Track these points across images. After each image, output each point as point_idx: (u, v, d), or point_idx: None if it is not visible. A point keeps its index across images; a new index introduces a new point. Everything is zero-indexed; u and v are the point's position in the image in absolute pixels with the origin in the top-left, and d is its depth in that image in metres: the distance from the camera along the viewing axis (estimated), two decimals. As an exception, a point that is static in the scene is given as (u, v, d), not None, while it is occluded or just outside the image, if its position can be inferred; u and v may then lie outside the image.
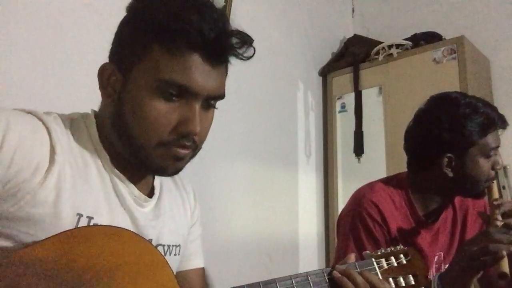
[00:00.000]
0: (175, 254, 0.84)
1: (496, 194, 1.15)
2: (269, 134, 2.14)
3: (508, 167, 1.17)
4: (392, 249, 0.91)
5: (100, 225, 0.67)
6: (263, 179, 2.08)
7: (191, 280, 0.91)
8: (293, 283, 0.76)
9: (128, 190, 0.75)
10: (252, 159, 2.03)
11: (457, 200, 1.28)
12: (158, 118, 0.68)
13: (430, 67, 2.12)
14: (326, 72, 2.54)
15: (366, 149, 2.31)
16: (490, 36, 2.25)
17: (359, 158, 2.33)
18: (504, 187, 1.15)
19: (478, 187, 1.16)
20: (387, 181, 1.28)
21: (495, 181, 1.16)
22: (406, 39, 2.31)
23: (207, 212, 1.73)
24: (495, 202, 1.12)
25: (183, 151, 0.71)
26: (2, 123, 0.60)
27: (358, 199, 1.23)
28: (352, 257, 0.86)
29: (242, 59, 0.71)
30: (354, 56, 2.44)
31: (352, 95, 2.40)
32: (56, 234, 0.61)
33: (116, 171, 0.73)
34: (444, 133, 1.14)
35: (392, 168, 2.08)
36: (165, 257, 0.73)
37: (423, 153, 1.21)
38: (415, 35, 2.31)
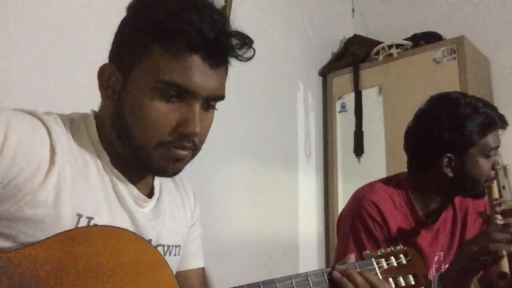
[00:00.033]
0: (175, 254, 0.84)
1: (496, 194, 1.15)
2: (269, 134, 2.14)
3: (508, 167, 1.17)
4: (392, 249, 0.91)
5: (100, 225, 0.67)
6: (263, 179, 2.08)
7: (191, 280, 0.91)
8: (292, 283, 0.76)
9: (128, 190, 0.75)
10: (252, 159, 2.03)
11: (457, 200, 1.28)
12: (158, 118, 0.68)
13: (430, 67, 2.12)
14: (326, 72, 2.54)
15: (366, 149, 2.31)
16: (490, 36, 2.25)
17: (359, 158, 2.33)
18: (504, 187, 1.15)
19: (478, 187, 1.16)
20: (387, 181, 1.29)
21: (495, 181, 1.16)
22: (406, 39, 2.31)
23: (207, 212, 1.73)
24: (495, 202, 1.12)
25: (182, 152, 0.71)
26: (2, 124, 0.60)
27: (358, 199, 1.23)
28: (352, 257, 0.86)
29: (242, 60, 0.71)
30: (354, 56, 2.44)
31: (352, 95, 2.40)
32: (56, 234, 0.61)
33: (116, 171, 0.73)
34: (444, 133, 1.14)
35: (392, 168, 2.08)
36: (165, 257, 0.73)
37: (423, 153, 1.21)
38: (415, 35, 2.31)
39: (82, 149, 0.71)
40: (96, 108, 0.78)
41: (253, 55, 0.72)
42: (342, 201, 2.30)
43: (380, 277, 0.85)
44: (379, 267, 0.87)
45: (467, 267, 1.02)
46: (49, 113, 0.71)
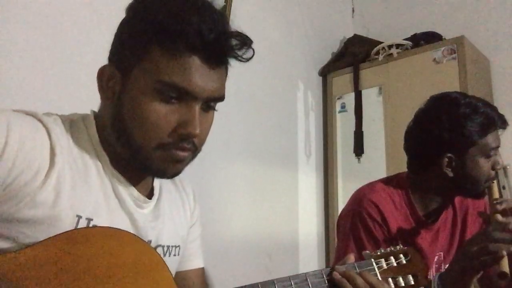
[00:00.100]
0: (174, 255, 0.83)
1: (496, 194, 1.15)
2: (269, 134, 2.14)
3: (508, 167, 1.17)
4: (392, 249, 0.91)
5: (99, 226, 0.67)
6: (263, 179, 2.08)
7: (191, 280, 0.91)
8: (291, 284, 0.76)
9: (128, 191, 0.75)
10: (252, 159, 2.03)
11: (457, 200, 1.28)
12: (157, 120, 0.68)
13: (430, 67, 2.12)
14: (326, 72, 2.53)
15: (366, 149, 2.31)
16: (490, 36, 2.25)
17: (359, 158, 2.33)
18: (504, 187, 1.15)
19: (478, 187, 1.16)
20: (387, 181, 1.28)
21: (495, 181, 1.16)
22: (406, 39, 2.31)
23: (207, 212, 1.73)
24: (495, 202, 1.12)
25: (182, 153, 0.70)
26: (3, 126, 0.60)
27: (358, 199, 1.23)
28: (351, 257, 0.86)
29: (241, 60, 0.71)
30: (354, 56, 2.44)
31: (352, 95, 2.39)
32: (56, 235, 0.61)
33: (116, 172, 0.73)
34: (444, 133, 1.14)
35: (392, 168, 2.08)
36: (165, 258, 0.73)
37: (423, 153, 1.21)
38: (415, 35, 2.31)
39: (82, 150, 0.71)
40: (96, 109, 0.78)
41: (253, 56, 0.71)
42: (342, 201, 2.30)
43: (380, 278, 0.85)
44: (378, 267, 0.87)
45: (467, 267, 1.02)
46: (49, 113, 0.71)
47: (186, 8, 0.67)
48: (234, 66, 0.74)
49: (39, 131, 0.65)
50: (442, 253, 1.25)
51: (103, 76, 0.72)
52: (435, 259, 1.24)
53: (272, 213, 2.10)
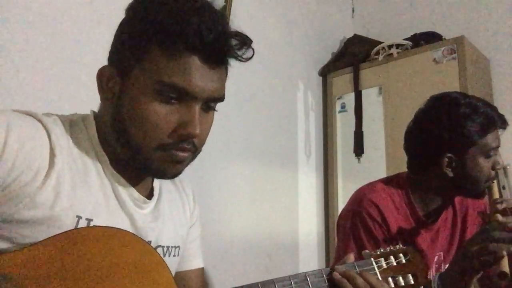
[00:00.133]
0: (174, 255, 0.84)
1: (496, 194, 1.15)
2: (269, 134, 2.14)
3: (508, 167, 1.17)
4: (392, 248, 0.91)
5: (100, 226, 0.67)
6: (263, 179, 2.08)
7: (191, 280, 0.91)
8: (291, 284, 0.76)
9: (127, 192, 0.75)
10: (252, 159, 2.03)
11: (457, 200, 1.28)
12: (157, 120, 0.67)
13: (430, 67, 2.12)
14: (326, 72, 2.53)
15: (366, 149, 2.31)
16: (490, 36, 2.25)
17: (359, 158, 2.33)
18: (504, 187, 1.15)
19: (478, 187, 1.16)
20: (387, 181, 1.29)
21: (495, 181, 1.16)
22: (406, 39, 2.30)
23: (207, 213, 1.73)
24: (495, 201, 1.12)
25: (182, 154, 0.70)
26: (2, 127, 0.60)
27: (358, 199, 1.23)
28: (351, 257, 0.86)
29: (241, 60, 0.71)
30: (354, 56, 2.44)
31: (352, 95, 2.39)
32: (56, 235, 0.61)
33: (116, 173, 0.73)
34: (444, 133, 1.14)
35: (392, 168, 2.08)
36: (165, 258, 0.73)
37: (423, 153, 1.21)
38: (415, 35, 2.31)
39: (82, 151, 0.71)
40: (96, 109, 0.78)
41: (253, 55, 0.71)
42: (342, 201, 2.30)
43: (379, 277, 0.85)
44: (378, 267, 0.87)
45: (467, 267, 1.02)
46: (48, 114, 0.71)
47: (186, 8, 0.67)
48: (234, 66, 0.74)
49: (38, 132, 0.65)
50: (442, 253, 1.25)
51: (102, 76, 0.72)
52: (435, 259, 1.24)
53: (272, 213, 2.10)
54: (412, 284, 0.87)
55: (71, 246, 0.61)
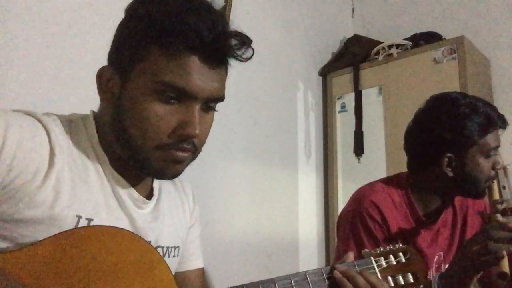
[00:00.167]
0: (174, 256, 0.83)
1: (496, 194, 1.15)
2: (269, 134, 2.14)
3: (508, 167, 1.17)
4: (391, 247, 0.91)
5: (99, 225, 0.67)
6: (263, 179, 2.08)
7: (191, 280, 0.91)
8: (291, 283, 0.76)
9: (127, 192, 0.75)
10: (252, 159, 2.03)
11: (457, 200, 1.28)
12: (157, 120, 0.67)
13: (430, 67, 2.12)
14: (326, 72, 2.53)
15: (366, 149, 2.31)
16: (490, 36, 2.25)
17: (359, 158, 2.33)
18: (504, 187, 1.15)
19: (478, 187, 1.16)
20: (387, 181, 1.28)
21: (495, 181, 1.16)
22: (406, 39, 2.31)
23: (207, 213, 1.73)
24: (495, 202, 1.12)
25: (182, 154, 0.70)
26: (1, 126, 0.59)
27: (358, 199, 1.23)
28: (351, 255, 0.86)
29: (241, 60, 0.70)
30: (354, 56, 2.44)
31: (352, 95, 2.39)
32: (56, 234, 0.61)
33: (115, 173, 0.73)
34: (444, 133, 1.14)
35: (392, 168, 2.08)
36: (164, 258, 0.73)
37: (423, 153, 1.21)
38: (415, 35, 2.31)
39: (81, 151, 0.71)
40: (96, 109, 0.78)
41: (252, 55, 0.71)
42: (342, 201, 2.30)
43: (379, 276, 0.85)
44: (378, 266, 0.87)
45: (467, 267, 1.02)
46: (48, 114, 0.71)
47: (185, 9, 0.67)
48: (234, 66, 0.74)
49: (38, 131, 0.65)
50: (442, 253, 1.25)
51: (102, 77, 0.72)
52: (435, 259, 1.24)
53: (272, 213, 2.10)
54: (411, 283, 0.87)
55: (71, 246, 0.61)
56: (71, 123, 0.73)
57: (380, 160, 2.22)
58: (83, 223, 0.66)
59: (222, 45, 0.68)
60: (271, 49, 2.20)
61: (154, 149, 0.69)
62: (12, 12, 1.28)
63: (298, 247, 2.22)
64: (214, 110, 0.74)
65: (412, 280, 0.87)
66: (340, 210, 1.34)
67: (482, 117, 1.12)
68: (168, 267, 0.71)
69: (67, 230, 0.62)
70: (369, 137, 2.31)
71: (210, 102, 0.72)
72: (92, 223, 0.67)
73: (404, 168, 1.28)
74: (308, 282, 0.78)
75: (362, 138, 2.33)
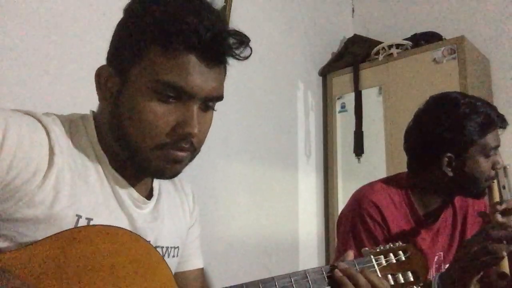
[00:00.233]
0: (173, 256, 0.83)
1: (496, 194, 1.15)
2: (269, 134, 2.14)
3: (508, 167, 1.17)
4: (391, 245, 0.91)
5: (99, 224, 0.67)
6: (263, 179, 2.08)
7: (191, 280, 0.91)
8: (291, 281, 0.76)
9: (127, 192, 0.75)
10: (252, 159, 2.03)
11: (457, 200, 1.28)
12: (155, 120, 0.67)
13: (430, 67, 2.12)
14: (326, 72, 2.53)
15: (366, 149, 2.31)
16: (490, 36, 2.25)
17: (359, 158, 2.33)
18: (504, 187, 1.15)
19: (478, 187, 1.16)
20: (387, 181, 1.28)
21: (495, 181, 1.16)
22: (406, 39, 2.31)
23: (207, 213, 1.74)
24: (495, 202, 1.12)
25: (181, 154, 0.70)
26: (0, 126, 0.59)
27: (358, 199, 1.23)
28: (350, 254, 0.86)
29: (239, 59, 0.70)
30: (354, 56, 2.44)
31: (352, 95, 2.40)
32: (56, 233, 0.61)
33: (115, 173, 0.73)
34: (444, 133, 1.14)
35: (392, 168, 2.08)
36: (164, 258, 0.73)
37: (423, 153, 1.21)
38: (415, 35, 2.31)
39: (81, 150, 0.71)
40: (96, 109, 0.78)
41: (251, 54, 0.71)
42: (342, 201, 2.30)
43: (379, 275, 0.85)
44: (378, 264, 0.86)
45: (467, 267, 1.02)
46: (48, 113, 0.71)
47: (184, 8, 0.67)
48: (234, 66, 0.74)
49: (38, 131, 0.65)
50: (442, 253, 1.25)
51: (101, 76, 0.72)
52: (435, 259, 1.24)
53: (272, 213, 2.10)
54: (411, 281, 0.87)
55: (70, 245, 0.61)
56: (71, 123, 0.73)
57: (380, 160, 2.22)
58: (82, 222, 0.66)
59: (221, 44, 0.68)
60: (271, 49, 2.20)
61: (153, 148, 0.69)
62: (12, 12, 1.28)
63: (298, 247, 2.22)
64: (213, 109, 0.74)
65: (412, 279, 0.87)
66: (340, 210, 1.34)
67: (482, 117, 1.12)
68: (168, 267, 0.71)
69: (66, 230, 0.62)
70: (369, 137, 2.31)
71: (209, 101, 0.72)
72: (91, 223, 0.67)
73: (404, 168, 1.28)
74: (308, 281, 0.78)
75: (362, 138, 2.33)
